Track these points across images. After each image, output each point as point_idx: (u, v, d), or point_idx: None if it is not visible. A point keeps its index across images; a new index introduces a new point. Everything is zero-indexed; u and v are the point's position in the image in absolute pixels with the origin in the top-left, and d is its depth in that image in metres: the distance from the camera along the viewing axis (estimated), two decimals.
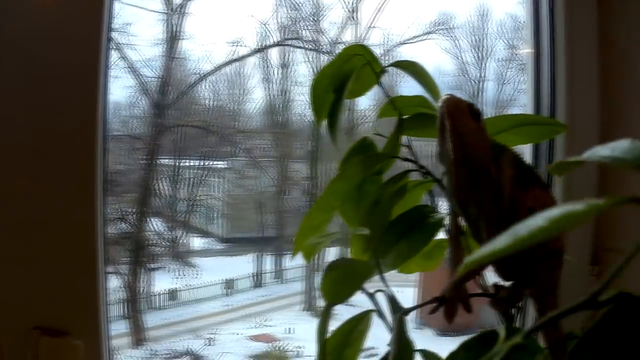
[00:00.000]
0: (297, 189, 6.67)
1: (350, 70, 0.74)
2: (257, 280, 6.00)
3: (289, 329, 5.68)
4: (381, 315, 0.71)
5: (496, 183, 0.66)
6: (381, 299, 0.74)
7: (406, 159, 0.75)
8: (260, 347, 5.15)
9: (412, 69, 0.72)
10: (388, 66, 0.74)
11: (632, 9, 0.95)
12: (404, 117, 0.77)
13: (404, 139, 0.76)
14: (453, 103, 0.62)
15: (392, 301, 0.68)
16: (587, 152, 0.36)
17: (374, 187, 0.75)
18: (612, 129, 0.95)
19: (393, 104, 0.76)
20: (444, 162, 0.65)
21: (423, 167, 0.76)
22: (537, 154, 0.96)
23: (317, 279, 7.18)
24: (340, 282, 0.65)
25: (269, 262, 6.04)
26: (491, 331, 0.64)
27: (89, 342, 0.83)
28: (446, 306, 0.67)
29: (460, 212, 0.68)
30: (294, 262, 6.81)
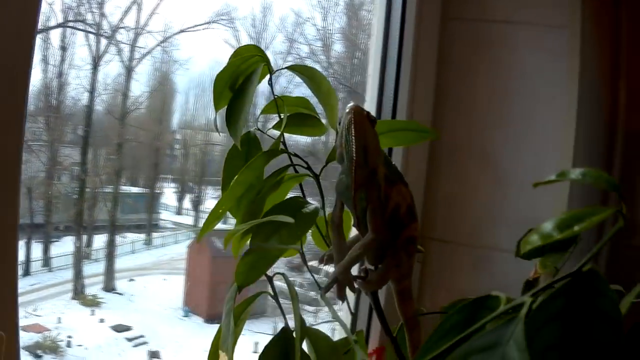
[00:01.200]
0: (67, 174, 6.28)
1: (245, 69, 0.76)
2: (25, 269, 5.56)
3: (59, 318, 5.37)
4: (275, 297, 0.74)
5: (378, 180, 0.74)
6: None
7: (295, 155, 0.80)
8: (31, 337, 4.81)
9: (307, 73, 0.76)
10: (283, 69, 0.77)
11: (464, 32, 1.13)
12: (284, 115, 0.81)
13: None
14: (358, 112, 0.69)
15: (288, 285, 0.72)
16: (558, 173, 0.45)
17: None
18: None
19: (276, 103, 0.80)
20: (345, 162, 0.71)
21: (307, 163, 0.81)
22: None
23: (87, 267, 6.83)
24: (253, 266, 0.68)
25: (37, 250, 5.64)
26: None
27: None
28: (337, 287, 0.74)
29: (350, 204, 0.74)
30: (62, 250, 6.42)
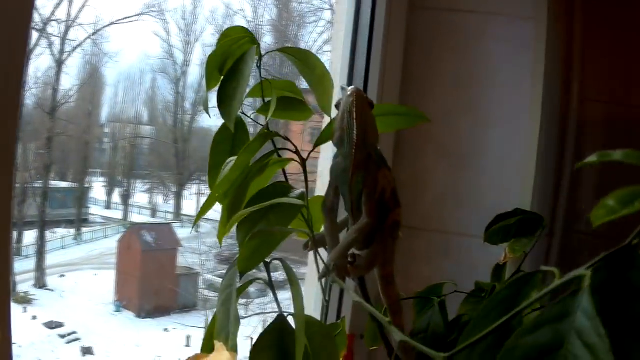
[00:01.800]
0: None
1: (235, 51, 0.73)
2: None
3: None
4: (270, 283, 0.72)
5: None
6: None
7: (286, 139, 0.77)
8: None
9: (300, 56, 0.74)
10: (275, 51, 0.75)
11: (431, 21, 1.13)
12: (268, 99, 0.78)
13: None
14: (360, 95, 0.67)
15: (288, 270, 0.70)
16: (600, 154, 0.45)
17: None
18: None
19: (262, 86, 0.77)
20: (345, 145, 0.69)
21: (295, 147, 0.78)
22: None
23: (18, 264, 6.54)
24: (256, 251, 0.65)
25: None
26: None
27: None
28: (336, 271, 0.72)
29: (346, 188, 0.73)
30: None
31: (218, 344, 0.67)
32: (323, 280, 0.76)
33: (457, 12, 1.13)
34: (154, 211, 9.71)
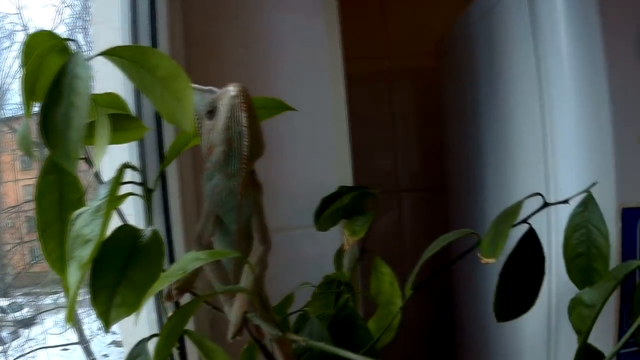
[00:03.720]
0: None
1: (51, 64, 0.52)
2: None
3: None
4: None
5: None
6: None
7: (131, 167, 0.58)
8: None
9: (137, 57, 0.54)
10: (99, 55, 0.54)
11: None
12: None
13: None
14: (247, 96, 0.53)
15: None
16: None
17: None
18: None
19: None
20: (231, 161, 0.54)
21: (143, 173, 0.61)
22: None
23: None
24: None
25: None
26: None
27: None
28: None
29: (234, 214, 0.58)
30: None
31: None
32: None
33: None
34: None
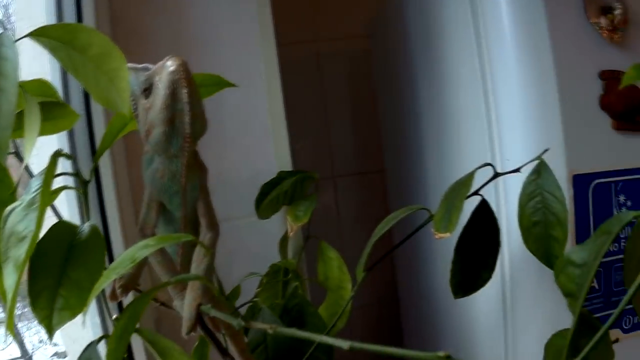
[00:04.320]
0: None
1: None
2: None
3: None
4: None
5: None
6: None
7: (66, 155, 0.53)
8: None
9: (66, 36, 0.48)
10: (26, 36, 0.48)
11: None
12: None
13: None
14: (186, 69, 0.48)
15: None
16: None
17: None
18: None
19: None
20: (172, 142, 0.50)
21: (75, 160, 0.55)
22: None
23: None
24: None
25: None
26: None
27: None
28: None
29: (177, 200, 0.53)
30: None
31: None
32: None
33: None
34: None
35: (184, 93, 0.47)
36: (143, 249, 0.41)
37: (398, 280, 1.45)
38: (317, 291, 0.93)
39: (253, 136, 0.99)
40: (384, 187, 1.52)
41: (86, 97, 0.84)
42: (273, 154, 0.99)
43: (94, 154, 0.84)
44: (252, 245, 0.99)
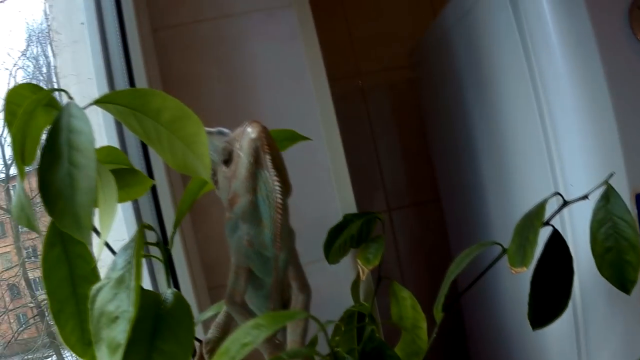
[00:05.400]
0: None
1: (41, 122, 0.47)
2: None
3: None
4: None
5: None
6: None
7: (148, 227, 0.53)
8: None
9: (137, 101, 0.48)
10: (93, 104, 0.48)
11: None
12: None
13: None
14: (267, 133, 0.47)
15: None
16: None
17: None
18: None
19: None
20: (258, 210, 0.49)
21: (159, 235, 0.55)
22: None
23: None
24: None
25: None
26: None
27: None
28: None
29: (268, 267, 0.53)
30: None
31: None
32: None
33: (201, 22, 0.96)
34: None
35: (267, 161, 0.47)
36: (255, 329, 0.39)
37: (464, 312, 1.42)
38: (388, 331, 0.92)
39: (314, 179, 0.99)
40: (440, 215, 1.49)
41: (146, 158, 0.85)
42: (336, 196, 0.98)
43: (157, 213, 0.85)
44: (321, 289, 0.98)
